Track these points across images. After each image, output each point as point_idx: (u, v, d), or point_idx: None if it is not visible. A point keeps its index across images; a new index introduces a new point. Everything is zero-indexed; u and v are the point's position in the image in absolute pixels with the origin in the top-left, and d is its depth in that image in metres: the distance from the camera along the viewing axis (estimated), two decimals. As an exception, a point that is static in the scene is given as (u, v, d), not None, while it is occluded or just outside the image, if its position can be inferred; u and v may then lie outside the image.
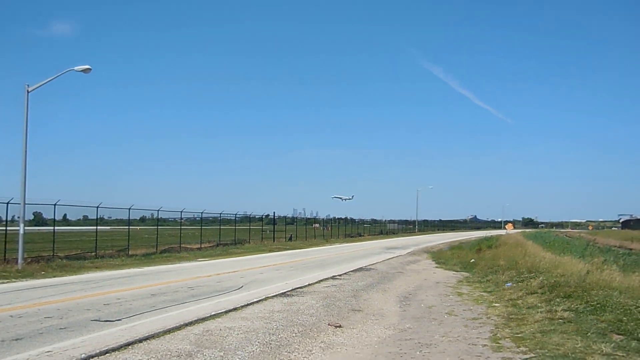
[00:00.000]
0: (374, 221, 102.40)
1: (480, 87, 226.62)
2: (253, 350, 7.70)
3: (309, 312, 11.25)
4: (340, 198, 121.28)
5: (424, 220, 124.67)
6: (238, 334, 8.81)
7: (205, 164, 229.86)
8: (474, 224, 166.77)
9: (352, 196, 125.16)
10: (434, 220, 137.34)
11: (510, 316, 10.68)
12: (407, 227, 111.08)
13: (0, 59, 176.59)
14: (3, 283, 16.74)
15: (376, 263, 26.06)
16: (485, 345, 8.24)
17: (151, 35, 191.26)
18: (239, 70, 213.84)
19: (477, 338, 8.76)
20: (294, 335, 8.90)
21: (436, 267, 24.31)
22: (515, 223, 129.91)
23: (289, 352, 7.68)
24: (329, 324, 9.89)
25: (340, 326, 9.74)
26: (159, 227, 35.42)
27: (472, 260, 24.93)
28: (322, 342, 8.47)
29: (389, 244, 50.83)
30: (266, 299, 13.09)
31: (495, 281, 16.68)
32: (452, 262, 25.46)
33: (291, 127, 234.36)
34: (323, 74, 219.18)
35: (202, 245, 37.28)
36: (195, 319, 10.18)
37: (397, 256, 32.07)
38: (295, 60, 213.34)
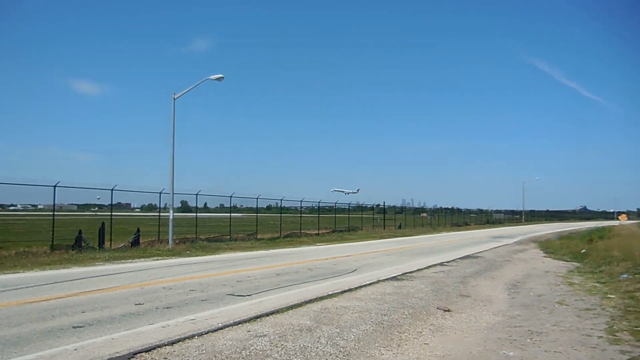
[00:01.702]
0: (480, 211, 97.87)
1: (588, 78, 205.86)
2: (366, 329, 7.63)
3: (419, 295, 10.95)
4: (343, 191, 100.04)
5: (531, 211, 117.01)
6: (353, 313, 8.79)
7: (323, 158, 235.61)
8: (584, 214, 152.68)
9: (358, 189, 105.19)
10: (541, 211, 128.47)
11: (628, 309, 9.52)
12: (514, 217, 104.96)
13: (152, 73, 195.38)
14: (158, 260, 18.36)
15: (483, 251, 24.82)
16: (600, 336, 7.42)
17: (274, 47, 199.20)
18: (352, 74, 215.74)
19: (592, 329, 7.92)
20: (404, 317, 8.69)
21: (544, 256, 22.58)
22: (629, 214, 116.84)
23: (400, 333, 7.50)
24: (437, 308, 9.54)
25: (449, 310, 9.35)
26: (282, 214, 36.72)
27: (583, 250, 22.75)
28: (431, 324, 8.17)
29: (496, 233, 48.27)
30: (378, 281, 12.97)
31: (609, 272, 15.04)
32: (561, 252, 23.46)
33: (402, 122, 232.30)
34: (433, 73, 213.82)
35: (320, 231, 38.08)
36: (314, 297, 10.34)
37: (503, 245, 30.32)
38: (407, 66, 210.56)
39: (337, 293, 10.96)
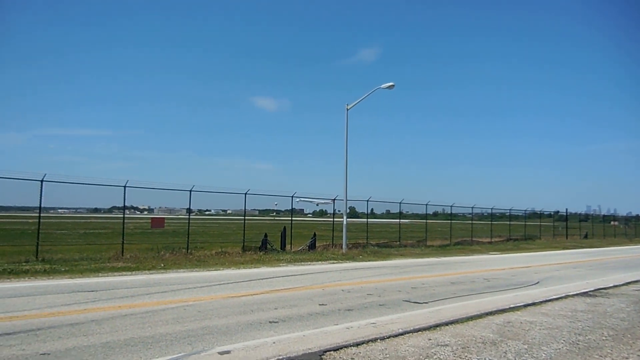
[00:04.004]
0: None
1: None
2: (559, 348, 7.04)
3: (619, 315, 9.70)
4: (311, 201, 63.83)
5: None
6: (540, 329, 8.19)
7: (493, 163, 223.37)
8: None
9: (334, 199, 66.26)
10: None
11: None
12: None
13: (326, 87, 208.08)
14: (333, 263, 19.36)
15: (700, 267, 20.91)
16: None
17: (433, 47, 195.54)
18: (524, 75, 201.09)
19: None
20: (603, 338, 7.79)
21: None
22: None
23: (601, 356, 6.73)
24: (645, 332, 8.34)
25: (660, 335, 8.10)
26: (452, 221, 35.72)
27: None
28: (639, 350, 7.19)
29: None
30: (566, 297, 11.84)
31: None
32: None
33: (582, 126, 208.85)
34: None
35: (493, 240, 36.08)
36: (495, 309, 9.88)
37: None
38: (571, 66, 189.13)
39: (520, 306, 10.30)
